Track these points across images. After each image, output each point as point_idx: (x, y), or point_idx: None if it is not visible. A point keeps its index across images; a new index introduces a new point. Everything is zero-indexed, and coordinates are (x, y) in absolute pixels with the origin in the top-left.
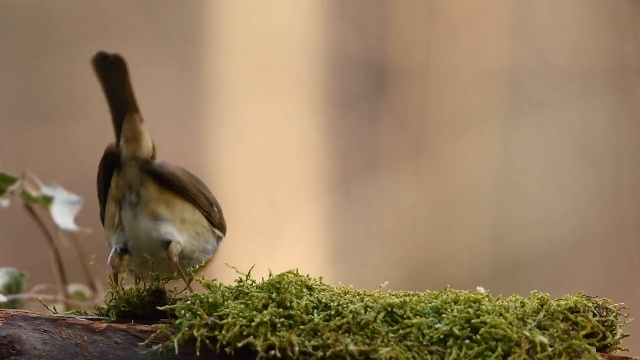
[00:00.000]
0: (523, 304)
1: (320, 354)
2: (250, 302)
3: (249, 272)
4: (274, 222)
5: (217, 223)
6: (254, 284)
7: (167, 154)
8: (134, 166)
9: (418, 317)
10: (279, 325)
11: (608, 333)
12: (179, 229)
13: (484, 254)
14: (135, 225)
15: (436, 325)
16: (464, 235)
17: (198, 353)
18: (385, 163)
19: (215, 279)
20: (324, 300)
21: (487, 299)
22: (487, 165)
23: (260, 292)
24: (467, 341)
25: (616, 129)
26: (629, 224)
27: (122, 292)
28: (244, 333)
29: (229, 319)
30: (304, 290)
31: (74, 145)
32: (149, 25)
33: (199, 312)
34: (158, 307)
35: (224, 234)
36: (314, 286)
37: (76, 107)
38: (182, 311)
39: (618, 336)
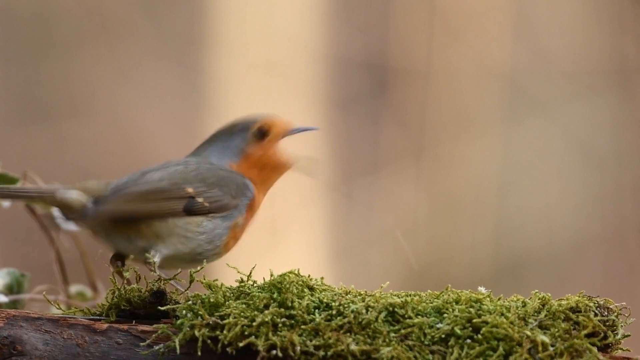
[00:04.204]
0: (524, 304)
1: (321, 353)
2: (251, 302)
3: (250, 273)
4: (275, 222)
5: (207, 210)
6: (255, 284)
7: (167, 153)
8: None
9: (419, 317)
10: (280, 325)
11: (609, 333)
12: (154, 242)
13: (485, 254)
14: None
15: (438, 325)
16: (466, 236)
17: (199, 353)
18: (386, 163)
19: (217, 279)
20: (325, 300)
21: (488, 298)
22: (488, 165)
23: (261, 292)
24: (468, 341)
25: (617, 129)
26: (630, 224)
27: (123, 291)
28: (246, 333)
29: (231, 319)
30: (306, 290)
31: (75, 145)
32: (149, 25)
33: (200, 312)
34: (159, 307)
35: (231, 208)
36: (315, 286)
37: (77, 107)
38: (184, 311)
39: (619, 336)
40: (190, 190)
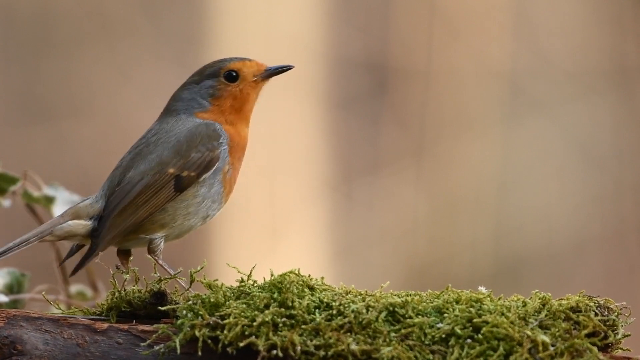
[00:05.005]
0: (525, 304)
1: (322, 353)
2: (252, 302)
3: (251, 272)
4: (276, 222)
5: (195, 176)
6: (255, 284)
7: None
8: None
9: (420, 316)
10: (280, 325)
11: (610, 332)
12: (162, 231)
13: (485, 253)
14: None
15: (438, 325)
16: (466, 235)
17: (200, 353)
18: (386, 163)
19: (217, 279)
20: (325, 300)
21: (488, 298)
22: (488, 165)
23: (261, 292)
24: (469, 340)
25: (617, 129)
26: (630, 224)
27: (123, 293)
28: (246, 333)
29: (231, 319)
30: (306, 290)
31: (75, 146)
32: (149, 25)
33: (200, 312)
34: (159, 307)
35: (216, 161)
36: (315, 286)
37: (77, 107)
38: (184, 311)
39: (620, 336)
40: (171, 170)
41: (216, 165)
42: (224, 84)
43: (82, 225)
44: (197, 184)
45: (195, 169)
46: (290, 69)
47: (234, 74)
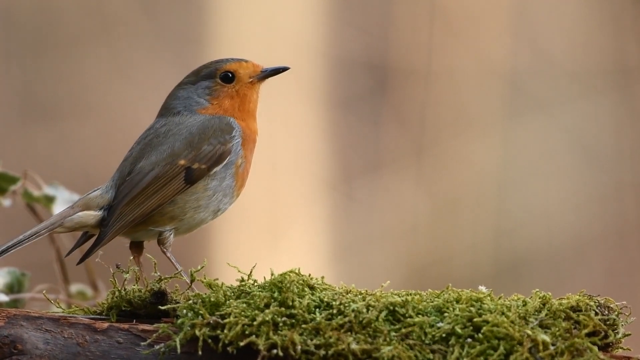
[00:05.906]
0: (525, 303)
1: (322, 352)
2: (252, 301)
3: (251, 272)
4: (276, 221)
5: (206, 169)
6: (255, 284)
7: None
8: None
9: (420, 316)
10: (281, 324)
11: (610, 332)
12: (172, 224)
13: (485, 253)
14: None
15: (438, 324)
16: (466, 235)
17: (200, 352)
18: (387, 163)
19: (217, 279)
20: (326, 300)
21: (489, 298)
22: (488, 164)
23: (262, 292)
24: (469, 340)
25: (617, 129)
26: (631, 224)
27: (124, 292)
28: (246, 332)
29: (231, 318)
30: (306, 289)
31: (75, 145)
32: (149, 25)
33: (201, 312)
34: (160, 307)
35: (227, 154)
36: (315, 285)
37: (78, 107)
38: (184, 310)
39: (620, 335)
40: (182, 162)
41: (228, 158)
42: (220, 85)
43: (93, 215)
44: (207, 177)
45: (206, 162)
46: (286, 70)
47: (230, 75)
